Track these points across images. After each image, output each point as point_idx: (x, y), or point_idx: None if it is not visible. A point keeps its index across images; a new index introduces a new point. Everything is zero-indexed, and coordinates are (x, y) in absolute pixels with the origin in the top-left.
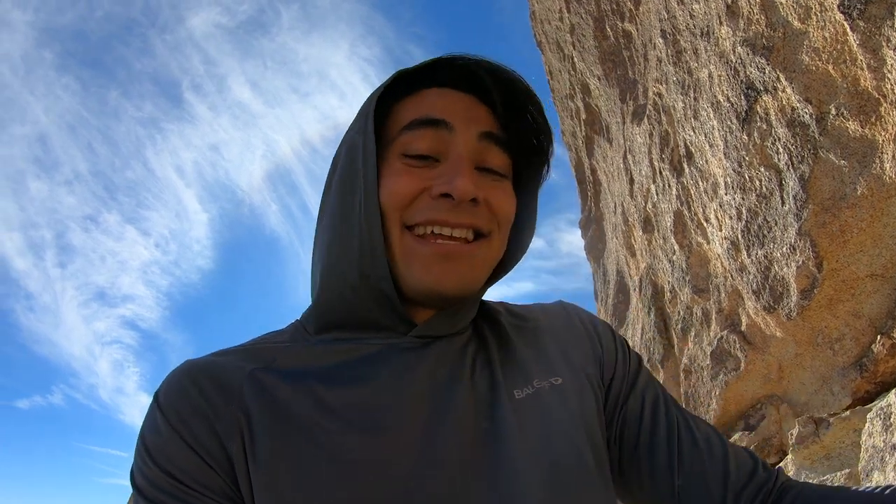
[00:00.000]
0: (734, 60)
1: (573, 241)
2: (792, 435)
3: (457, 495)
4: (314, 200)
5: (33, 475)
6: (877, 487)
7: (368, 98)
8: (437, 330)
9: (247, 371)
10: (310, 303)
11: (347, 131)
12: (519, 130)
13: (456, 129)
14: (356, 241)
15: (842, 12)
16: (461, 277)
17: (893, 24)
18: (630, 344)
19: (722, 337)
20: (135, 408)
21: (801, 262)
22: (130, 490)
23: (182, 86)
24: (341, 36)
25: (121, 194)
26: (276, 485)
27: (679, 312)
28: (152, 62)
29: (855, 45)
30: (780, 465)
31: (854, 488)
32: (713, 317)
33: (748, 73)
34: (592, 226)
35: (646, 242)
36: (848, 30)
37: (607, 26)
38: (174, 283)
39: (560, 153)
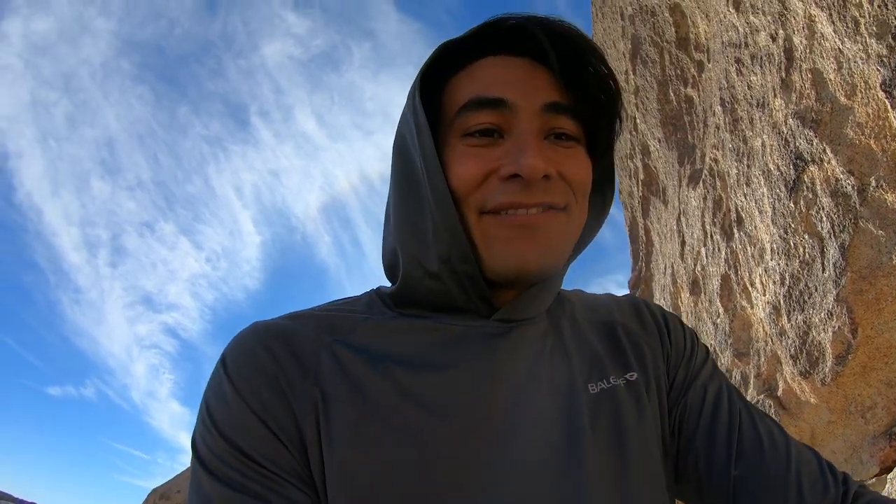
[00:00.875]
0: (785, 131)
1: None
2: None
3: (529, 491)
4: (368, 237)
5: (53, 461)
6: None
7: (415, 78)
8: (521, 312)
9: (325, 343)
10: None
11: (402, 115)
12: (584, 89)
13: (517, 106)
14: (430, 225)
15: (883, 90)
16: (543, 250)
17: None
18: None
19: (759, 401)
20: (164, 413)
21: (837, 328)
22: (146, 492)
23: (250, 110)
24: (409, 78)
25: (179, 206)
26: (351, 468)
27: None
28: (224, 84)
29: (895, 121)
30: None
31: None
32: (751, 381)
33: (797, 144)
34: (641, 286)
35: (692, 304)
36: (888, 106)
37: (671, 90)
38: (220, 298)
39: (614, 213)
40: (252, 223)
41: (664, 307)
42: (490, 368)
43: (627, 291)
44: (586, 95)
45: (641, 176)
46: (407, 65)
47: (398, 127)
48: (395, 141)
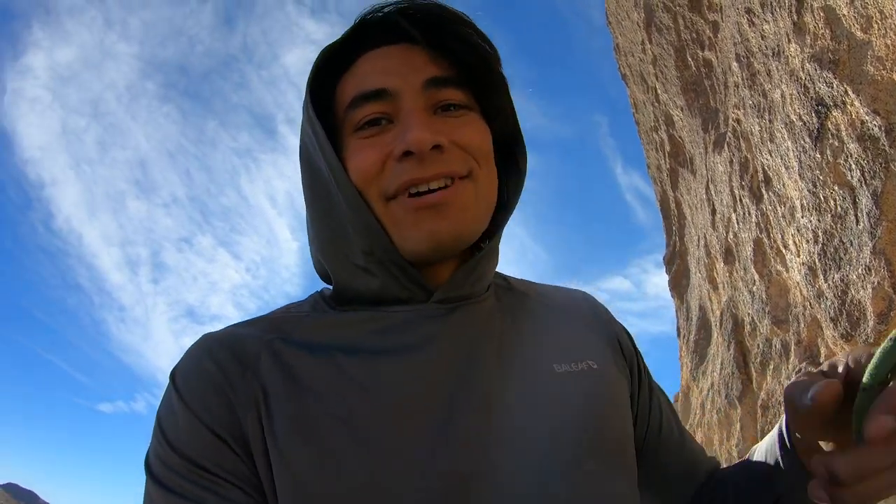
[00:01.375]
0: (803, 77)
1: (660, 282)
2: None
3: (485, 472)
4: None
5: (108, 476)
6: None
7: (306, 84)
8: (458, 289)
9: (265, 340)
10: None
11: (301, 126)
12: (461, 59)
13: (398, 90)
14: (346, 224)
15: None
16: (453, 222)
17: None
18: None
19: (800, 370)
20: None
21: (876, 284)
22: None
23: (276, 119)
24: None
25: (215, 219)
26: (293, 457)
27: (758, 346)
28: (248, 96)
29: None
30: None
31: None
32: (792, 348)
33: (817, 89)
34: (677, 261)
35: (727, 274)
36: None
37: (688, 55)
38: (262, 306)
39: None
40: (288, 230)
41: (700, 280)
42: (435, 349)
43: (664, 270)
44: (465, 65)
45: (668, 147)
46: None
47: (300, 137)
48: (299, 152)
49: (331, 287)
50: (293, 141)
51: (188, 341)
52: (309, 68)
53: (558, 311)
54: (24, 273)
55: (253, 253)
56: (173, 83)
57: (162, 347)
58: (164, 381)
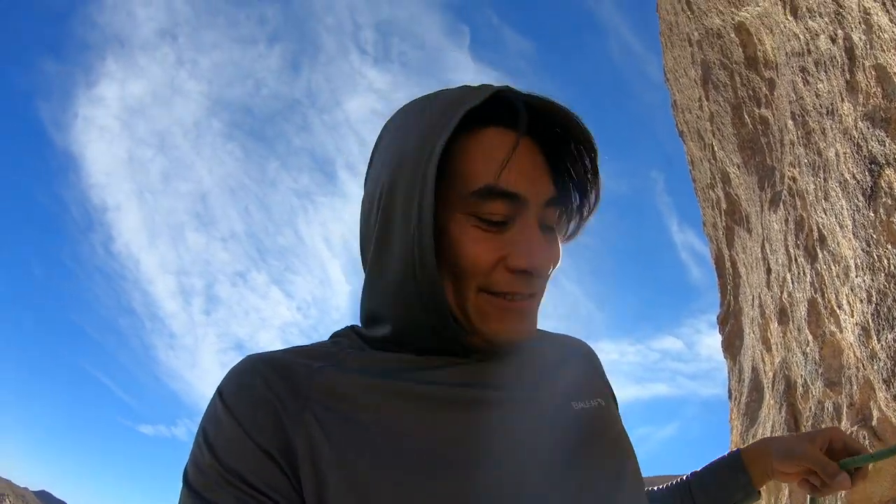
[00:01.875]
0: (857, 136)
1: (713, 343)
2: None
3: (524, 496)
4: None
5: (140, 496)
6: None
7: (424, 137)
8: (496, 352)
9: (314, 368)
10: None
11: (392, 159)
12: (575, 186)
13: (528, 200)
14: (416, 299)
15: None
16: (529, 330)
17: None
18: None
19: (852, 433)
20: None
21: None
22: None
23: (336, 163)
24: None
25: (271, 257)
26: (353, 479)
27: (811, 408)
28: (310, 139)
29: None
30: None
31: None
32: (844, 411)
33: (870, 147)
34: (731, 321)
35: (781, 335)
36: None
37: (745, 113)
38: None
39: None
40: (342, 272)
41: (754, 340)
42: (473, 390)
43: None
44: (575, 190)
45: (724, 205)
46: None
47: (386, 176)
48: (378, 188)
49: (359, 325)
50: (352, 186)
51: None
52: (371, 116)
53: (567, 355)
54: (80, 292)
55: (305, 292)
56: (238, 123)
57: (208, 377)
58: None
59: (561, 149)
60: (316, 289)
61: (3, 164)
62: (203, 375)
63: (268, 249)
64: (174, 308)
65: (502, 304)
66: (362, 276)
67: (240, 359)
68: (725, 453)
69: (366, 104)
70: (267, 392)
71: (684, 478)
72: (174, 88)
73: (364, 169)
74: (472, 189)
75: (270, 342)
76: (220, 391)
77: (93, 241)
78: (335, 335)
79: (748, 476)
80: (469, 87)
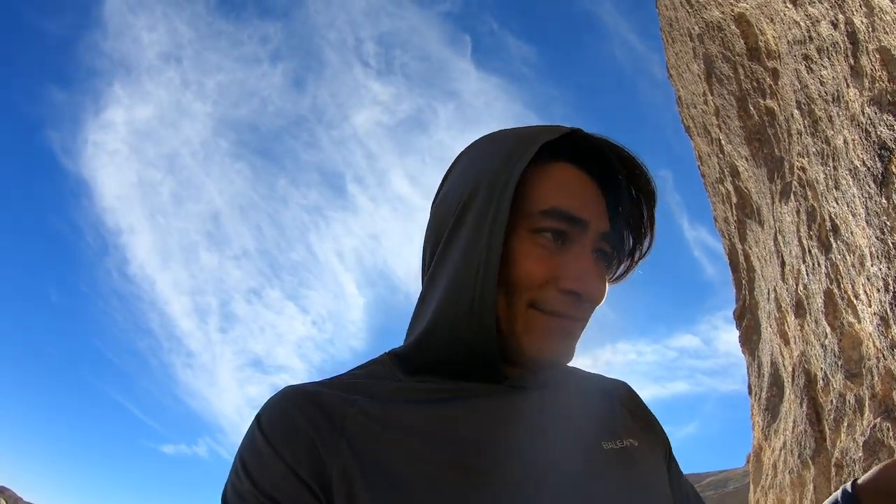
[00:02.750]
0: (864, 122)
1: (731, 339)
2: None
3: None
4: None
5: None
6: None
7: (503, 162)
8: (527, 380)
9: (350, 400)
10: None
11: (468, 181)
12: (627, 227)
13: (587, 226)
14: (465, 308)
15: None
16: (570, 350)
17: None
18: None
19: (875, 425)
20: None
21: None
22: None
23: (346, 177)
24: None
25: (284, 273)
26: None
27: (832, 402)
28: (318, 154)
29: None
30: None
31: None
32: (866, 403)
33: (879, 132)
34: (747, 315)
35: (798, 328)
36: None
37: (750, 105)
38: (327, 359)
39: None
40: (355, 286)
41: (771, 335)
42: (504, 422)
43: (734, 325)
44: (628, 234)
45: (734, 199)
46: (490, 120)
47: (462, 196)
48: (453, 206)
49: (398, 347)
50: (362, 200)
51: (253, 390)
52: (377, 129)
53: (602, 395)
54: (98, 315)
55: (320, 307)
56: (245, 141)
57: (226, 395)
58: (227, 427)
59: (622, 192)
60: (330, 303)
61: (17, 193)
62: (221, 393)
63: (281, 266)
64: (191, 327)
65: (550, 322)
66: (416, 289)
67: (260, 385)
68: (841, 491)
69: (371, 117)
70: (303, 422)
71: None
72: (181, 110)
73: (370, 181)
74: (538, 209)
75: (287, 357)
76: (258, 419)
77: (108, 264)
78: (372, 362)
79: None
80: (545, 125)
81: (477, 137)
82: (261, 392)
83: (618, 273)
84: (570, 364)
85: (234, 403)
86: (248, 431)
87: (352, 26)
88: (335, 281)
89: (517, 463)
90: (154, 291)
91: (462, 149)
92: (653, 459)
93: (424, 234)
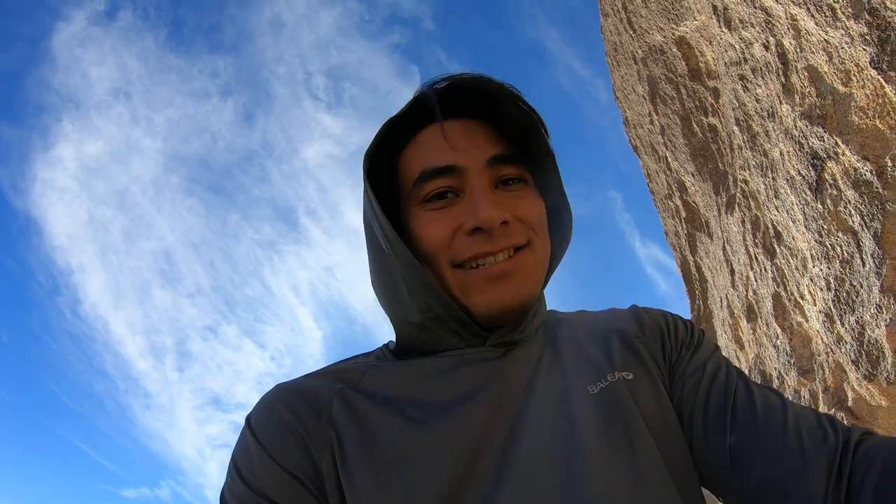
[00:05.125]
0: (797, 135)
1: None
2: None
3: (540, 490)
4: None
5: None
6: None
7: (364, 158)
8: (511, 336)
9: (335, 389)
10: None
11: (363, 194)
12: (517, 134)
13: (464, 167)
14: (402, 286)
15: (874, 67)
16: (517, 289)
17: None
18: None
19: None
20: None
21: (889, 321)
22: None
23: (298, 211)
24: None
25: (240, 309)
26: (367, 492)
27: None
28: (270, 189)
29: (893, 96)
30: None
31: None
32: (820, 396)
33: (811, 143)
34: (702, 324)
35: (751, 332)
36: (883, 83)
37: (693, 123)
38: None
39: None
40: (312, 319)
41: (727, 340)
42: (489, 386)
43: None
44: (520, 139)
45: (683, 213)
46: None
47: (363, 205)
48: (363, 219)
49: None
50: (315, 233)
51: (213, 429)
52: (328, 161)
53: (599, 334)
54: (51, 357)
55: (277, 342)
56: (196, 177)
57: (187, 435)
58: (189, 469)
59: (492, 112)
60: (287, 337)
61: None
62: (181, 433)
63: (236, 302)
64: (147, 367)
65: (478, 274)
66: (374, 321)
67: (221, 425)
68: None
69: (322, 150)
70: (290, 417)
71: None
72: (130, 146)
73: (323, 214)
74: (412, 181)
75: (246, 394)
76: (248, 420)
77: (60, 304)
78: (372, 351)
79: None
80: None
81: None
82: (221, 431)
83: (539, 166)
84: (576, 311)
85: (194, 444)
86: (240, 434)
87: (301, 60)
88: (291, 315)
89: (499, 423)
90: (108, 331)
91: None
92: (650, 387)
93: None
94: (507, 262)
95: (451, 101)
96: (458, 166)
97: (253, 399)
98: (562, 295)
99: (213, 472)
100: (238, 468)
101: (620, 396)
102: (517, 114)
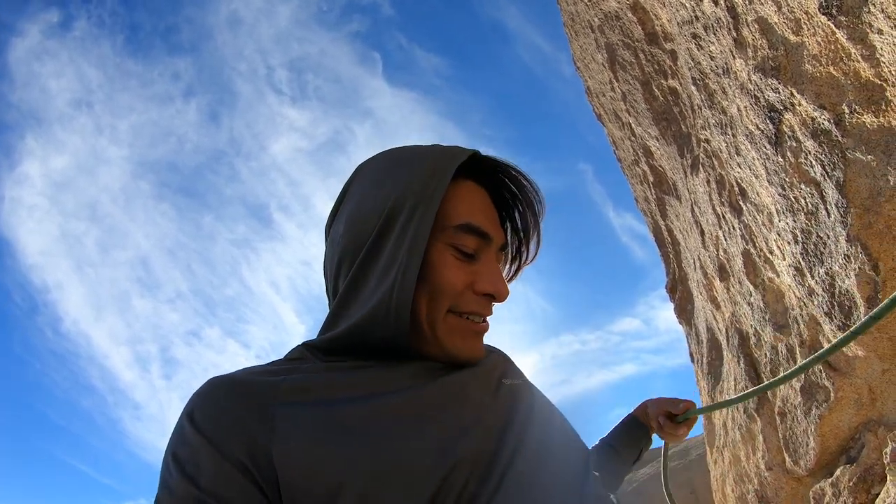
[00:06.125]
0: (752, 88)
1: (669, 316)
2: (886, 454)
3: (463, 457)
4: None
5: None
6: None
7: (430, 177)
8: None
9: (272, 383)
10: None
11: (386, 194)
12: (517, 235)
13: (492, 241)
14: (382, 308)
15: (823, 13)
16: (483, 348)
17: (869, 9)
18: None
19: (810, 371)
20: None
21: (857, 270)
22: None
23: (270, 207)
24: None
25: (221, 310)
26: (294, 454)
27: (766, 354)
28: (241, 187)
29: (844, 41)
30: (883, 491)
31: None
32: (797, 350)
33: (767, 96)
34: (679, 287)
35: (725, 291)
36: (834, 28)
37: (654, 87)
38: None
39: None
40: (294, 314)
41: (703, 301)
42: (413, 374)
43: (670, 304)
44: (519, 241)
45: (651, 178)
46: (409, 133)
47: (383, 207)
48: (370, 213)
49: (313, 339)
50: (289, 228)
51: None
52: (297, 155)
53: (493, 354)
54: (37, 378)
55: (261, 339)
56: (166, 182)
57: None
58: None
59: (513, 206)
60: (271, 334)
61: None
62: None
63: (216, 303)
64: (133, 378)
65: (468, 326)
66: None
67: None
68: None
69: (290, 144)
70: (231, 404)
71: (601, 441)
72: (97, 157)
73: (296, 208)
74: (454, 224)
75: None
76: (186, 413)
77: (40, 324)
78: (288, 354)
79: (646, 427)
80: (445, 146)
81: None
82: None
83: (510, 274)
84: None
85: None
86: (175, 427)
87: (262, 55)
88: (273, 312)
89: (432, 404)
90: (91, 346)
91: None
92: (537, 390)
93: (335, 244)
94: (484, 324)
95: (491, 174)
96: (492, 238)
97: None
98: (544, 266)
99: None
100: (180, 463)
101: (530, 390)
102: (534, 224)
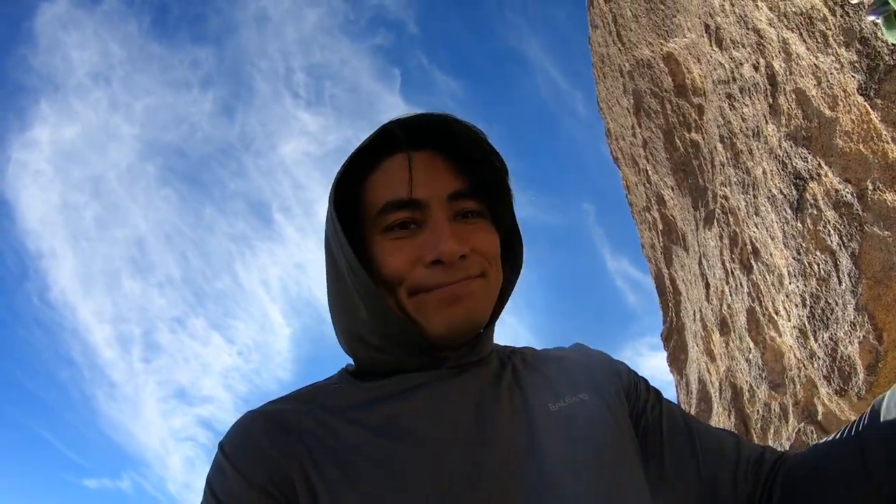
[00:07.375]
0: (781, 154)
1: (656, 364)
2: None
3: (509, 496)
4: None
5: None
6: (845, 429)
7: (332, 185)
8: (466, 358)
9: (304, 410)
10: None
11: (326, 217)
12: (477, 171)
13: (426, 201)
14: (363, 311)
15: (861, 94)
16: (467, 312)
17: None
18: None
19: (800, 430)
20: None
21: (862, 338)
22: None
23: (272, 207)
24: None
25: (209, 302)
26: (342, 498)
27: (758, 411)
28: (245, 183)
29: (878, 122)
30: None
31: (827, 439)
32: (790, 410)
33: (794, 164)
34: (674, 336)
35: (724, 345)
36: (869, 109)
37: (676, 138)
38: (253, 390)
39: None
40: (281, 316)
41: (698, 353)
42: (450, 401)
43: (662, 352)
44: (479, 175)
45: (660, 226)
46: None
47: (325, 228)
48: (324, 241)
49: (352, 363)
50: (288, 229)
51: (177, 422)
52: (305, 159)
53: (553, 362)
54: (18, 343)
55: (246, 337)
56: (173, 167)
57: (151, 427)
58: (152, 460)
59: (457, 148)
60: (256, 333)
61: None
62: (146, 425)
63: (206, 295)
64: (113, 357)
65: (434, 296)
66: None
67: (185, 418)
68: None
69: (299, 147)
70: (264, 440)
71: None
72: (108, 132)
73: (297, 211)
74: (377, 210)
75: (212, 388)
76: (220, 446)
77: (28, 290)
78: (332, 376)
79: None
80: (375, 132)
81: None
82: (185, 424)
83: (495, 206)
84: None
85: (158, 436)
86: (213, 460)
87: (283, 56)
88: (261, 311)
89: (460, 440)
90: (76, 319)
91: None
92: (604, 406)
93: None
94: (457, 285)
95: (416, 133)
96: (421, 200)
97: (218, 393)
98: (535, 301)
99: (176, 466)
100: (212, 488)
101: (580, 413)
102: (479, 152)
